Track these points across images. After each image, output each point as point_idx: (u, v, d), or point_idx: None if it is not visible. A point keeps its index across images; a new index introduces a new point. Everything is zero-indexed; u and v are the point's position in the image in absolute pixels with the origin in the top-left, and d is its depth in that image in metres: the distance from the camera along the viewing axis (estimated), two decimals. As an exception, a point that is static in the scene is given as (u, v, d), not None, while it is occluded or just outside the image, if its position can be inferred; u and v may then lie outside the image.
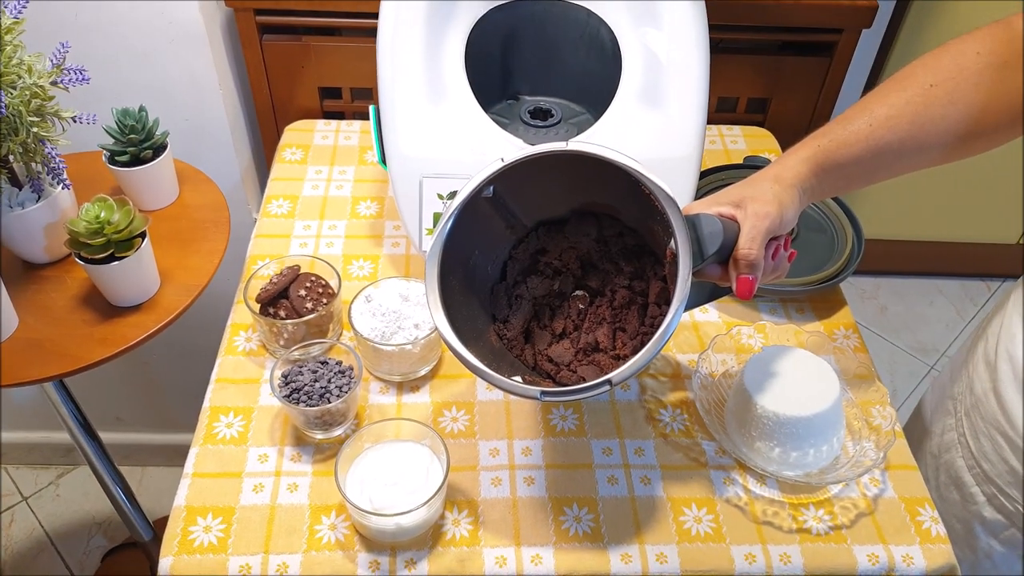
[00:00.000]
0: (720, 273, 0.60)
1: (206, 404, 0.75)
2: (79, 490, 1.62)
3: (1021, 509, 0.69)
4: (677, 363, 0.80)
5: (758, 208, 0.57)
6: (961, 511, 0.75)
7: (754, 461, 0.69)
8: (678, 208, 0.56)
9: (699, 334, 0.82)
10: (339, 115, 1.11)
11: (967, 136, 0.59)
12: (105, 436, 1.07)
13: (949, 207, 1.76)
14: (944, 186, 1.71)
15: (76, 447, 1.50)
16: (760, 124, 1.10)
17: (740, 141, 1.06)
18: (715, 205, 0.59)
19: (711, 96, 1.10)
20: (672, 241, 0.56)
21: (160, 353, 1.37)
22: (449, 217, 0.61)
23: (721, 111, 1.12)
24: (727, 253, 0.58)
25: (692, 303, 0.66)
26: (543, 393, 0.57)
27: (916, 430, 0.83)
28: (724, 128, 1.07)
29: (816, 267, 0.85)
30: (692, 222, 0.57)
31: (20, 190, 0.77)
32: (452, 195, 0.75)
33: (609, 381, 0.55)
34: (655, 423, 0.75)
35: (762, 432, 0.68)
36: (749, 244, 0.56)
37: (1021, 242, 1.82)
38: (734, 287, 0.59)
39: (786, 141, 1.04)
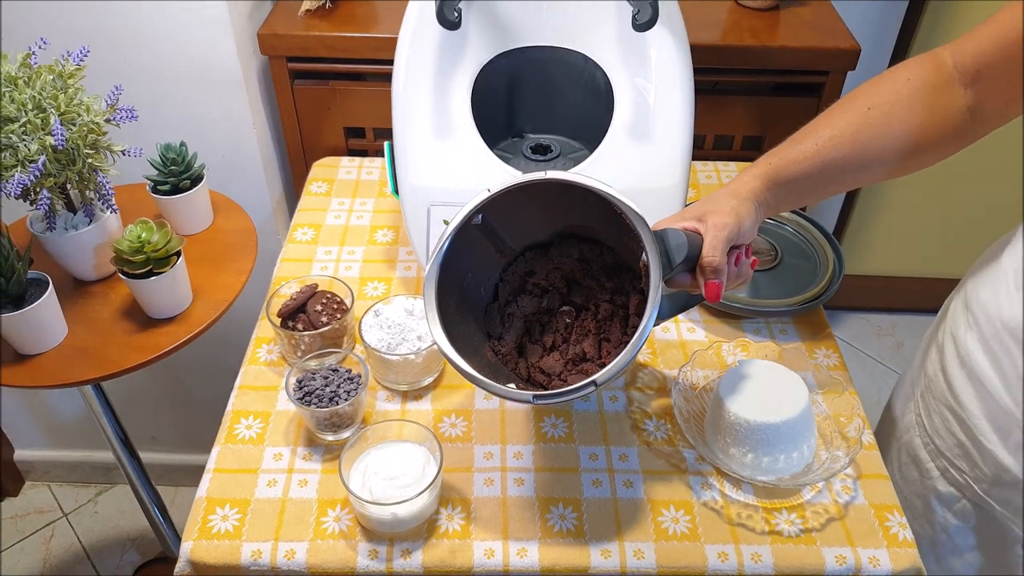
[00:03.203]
0: (690, 281, 0.66)
1: (229, 408, 0.82)
2: (115, 508, 1.70)
3: (969, 480, 0.74)
4: (663, 377, 0.85)
5: (717, 220, 0.63)
6: (919, 487, 0.80)
7: (729, 466, 0.74)
8: (647, 225, 0.62)
9: (685, 351, 0.88)
10: (363, 152, 1.21)
11: (909, 152, 0.66)
12: (141, 455, 1.14)
13: (966, 243, 1.78)
14: (961, 222, 1.73)
15: (115, 466, 1.59)
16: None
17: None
18: (680, 220, 0.65)
19: (708, 135, 1.18)
20: (644, 254, 0.62)
21: (194, 374, 1.45)
22: (443, 242, 0.67)
23: (718, 148, 1.18)
24: (694, 262, 0.64)
25: (668, 313, 0.72)
26: (535, 397, 0.62)
27: (887, 420, 0.89)
28: (720, 164, 1.13)
29: (799, 290, 0.90)
30: (660, 236, 0.63)
31: (74, 214, 0.86)
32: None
33: (594, 383, 0.60)
34: (640, 432, 0.80)
35: (735, 438, 0.73)
36: (712, 252, 0.63)
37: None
38: (703, 292, 0.65)
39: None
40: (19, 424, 1.63)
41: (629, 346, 0.61)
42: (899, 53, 1.45)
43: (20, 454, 1.70)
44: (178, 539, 1.23)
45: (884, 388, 1.80)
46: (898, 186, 1.75)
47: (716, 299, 0.64)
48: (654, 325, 0.62)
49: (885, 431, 0.88)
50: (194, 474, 1.67)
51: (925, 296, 1.92)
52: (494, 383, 0.63)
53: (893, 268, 1.83)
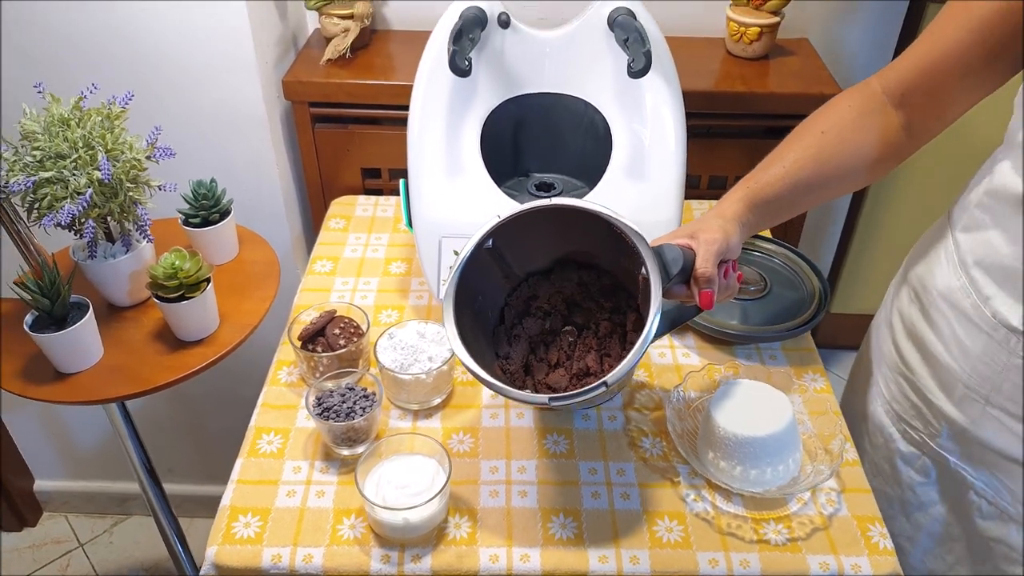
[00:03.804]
0: (685, 292, 0.73)
1: (252, 424, 0.88)
2: (131, 538, 1.74)
3: (925, 438, 0.84)
4: (659, 399, 0.90)
5: (708, 236, 0.70)
6: (885, 451, 0.88)
7: (719, 479, 0.78)
8: (646, 241, 0.68)
9: (680, 375, 0.93)
10: (378, 192, 1.28)
11: (862, 167, 0.75)
12: (157, 486, 1.18)
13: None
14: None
15: (131, 497, 1.63)
16: (748, 200, 1.23)
17: (729, 214, 1.18)
18: (674, 238, 0.72)
19: (703, 176, 1.25)
20: (643, 268, 0.68)
21: (211, 406, 1.51)
22: (461, 261, 0.73)
23: (712, 188, 1.25)
24: (688, 275, 0.70)
25: (662, 329, 0.78)
26: (551, 399, 0.67)
27: (850, 400, 0.97)
28: (715, 203, 1.20)
29: (787, 318, 0.96)
30: (657, 251, 0.69)
31: (112, 244, 0.93)
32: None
33: (605, 383, 0.66)
34: (637, 448, 0.85)
35: (725, 452, 0.78)
36: (704, 264, 0.70)
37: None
38: (697, 300, 0.71)
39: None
40: (39, 454, 1.69)
41: (636, 347, 0.66)
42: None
43: (39, 484, 1.75)
44: (195, 568, 1.27)
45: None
46: (892, 227, 1.82)
47: (709, 306, 0.71)
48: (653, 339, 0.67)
49: (850, 407, 0.97)
50: (209, 505, 1.68)
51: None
52: (511, 388, 0.69)
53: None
